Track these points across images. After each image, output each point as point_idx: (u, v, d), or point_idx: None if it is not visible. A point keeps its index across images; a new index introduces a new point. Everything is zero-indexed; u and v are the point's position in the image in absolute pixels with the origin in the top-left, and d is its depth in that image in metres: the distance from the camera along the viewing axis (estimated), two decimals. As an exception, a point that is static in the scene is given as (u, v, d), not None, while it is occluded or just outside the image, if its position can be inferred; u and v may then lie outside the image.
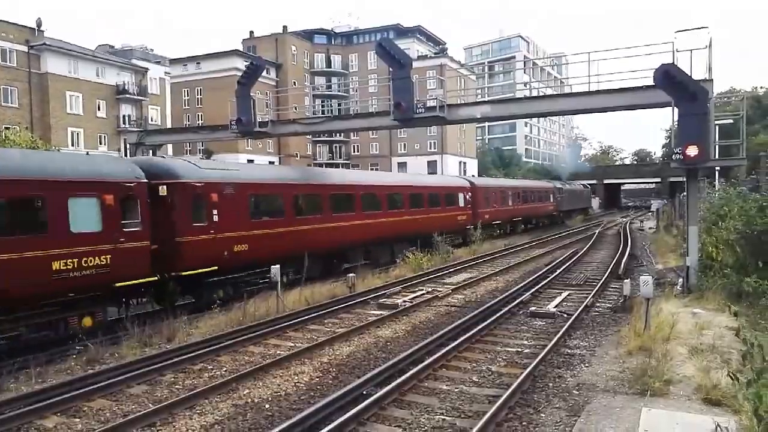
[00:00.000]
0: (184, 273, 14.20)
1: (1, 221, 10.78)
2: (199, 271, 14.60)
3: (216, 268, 15.07)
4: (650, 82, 14.90)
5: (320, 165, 68.93)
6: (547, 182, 53.74)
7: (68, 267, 11.35)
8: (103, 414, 8.04)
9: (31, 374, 9.50)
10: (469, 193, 32.37)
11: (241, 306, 14.00)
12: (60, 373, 9.96)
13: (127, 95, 49.81)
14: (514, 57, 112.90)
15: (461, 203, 31.32)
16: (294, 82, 71.78)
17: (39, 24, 44.00)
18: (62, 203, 11.41)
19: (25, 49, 42.47)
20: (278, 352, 10.96)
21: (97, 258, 11.91)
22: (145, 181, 13.29)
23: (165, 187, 14.01)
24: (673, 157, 14.50)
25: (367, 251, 22.52)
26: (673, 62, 14.76)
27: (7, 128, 27.65)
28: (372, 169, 67.23)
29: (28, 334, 11.09)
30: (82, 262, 11.62)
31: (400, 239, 24.57)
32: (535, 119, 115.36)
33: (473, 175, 46.42)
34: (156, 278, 13.36)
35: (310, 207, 19.30)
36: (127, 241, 12.54)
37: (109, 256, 12.13)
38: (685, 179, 16.39)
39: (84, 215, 11.88)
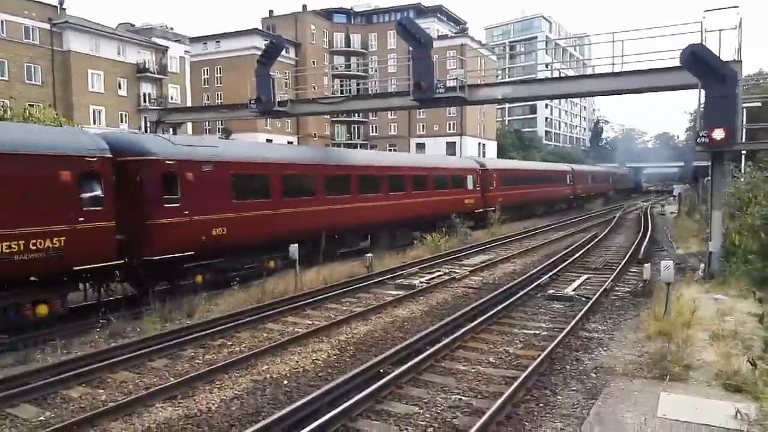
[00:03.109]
0: (487, 209, 30.47)
1: (453, 184, 27.95)
2: (489, 209, 30.49)
3: (494, 208, 30.59)
4: (676, 63, 14.57)
5: (338, 145, 68.85)
6: (606, 167, 68.98)
7: (466, 202, 29.11)
8: (126, 386, 8.22)
9: (56, 345, 9.74)
10: (571, 175, 49.13)
11: (260, 284, 14.16)
12: (84, 345, 10.20)
13: (148, 74, 50.05)
14: (535, 37, 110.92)
15: (568, 182, 48.56)
16: (313, 62, 71.43)
17: (61, 2, 44.24)
18: (466, 177, 29.59)
19: (47, 26, 42.77)
20: (296, 329, 11.08)
21: (470, 200, 29.68)
22: (480, 168, 31.51)
23: (481, 171, 31.42)
24: (699, 140, 14.20)
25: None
26: (701, 42, 14.41)
27: (31, 106, 27.96)
28: (390, 150, 67.31)
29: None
30: (469, 200, 29.54)
31: (543, 202, 43.34)
32: (555, 101, 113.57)
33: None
34: (482, 210, 30.45)
35: (526, 181, 38.65)
36: (473, 194, 30.12)
37: (473, 200, 29.98)
38: (709, 163, 16.06)
39: (470, 182, 29.85)
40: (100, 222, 11.55)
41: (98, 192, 11.64)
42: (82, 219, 11.21)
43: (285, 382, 8.29)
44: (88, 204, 11.42)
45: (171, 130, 27.32)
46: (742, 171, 20.79)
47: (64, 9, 44.58)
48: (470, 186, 29.84)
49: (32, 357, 9.40)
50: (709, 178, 16.63)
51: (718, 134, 13.63)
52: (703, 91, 14.20)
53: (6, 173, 10.19)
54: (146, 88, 50.86)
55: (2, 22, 39.53)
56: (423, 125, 74.74)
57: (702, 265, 15.52)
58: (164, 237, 13.23)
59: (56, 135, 12.29)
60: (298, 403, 6.88)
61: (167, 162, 13.45)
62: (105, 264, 11.69)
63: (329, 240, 18.57)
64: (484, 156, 73.85)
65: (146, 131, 41.54)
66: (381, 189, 21.95)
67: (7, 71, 40.02)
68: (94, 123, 45.24)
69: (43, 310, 10.93)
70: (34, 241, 10.42)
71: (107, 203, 11.76)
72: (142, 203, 12.96)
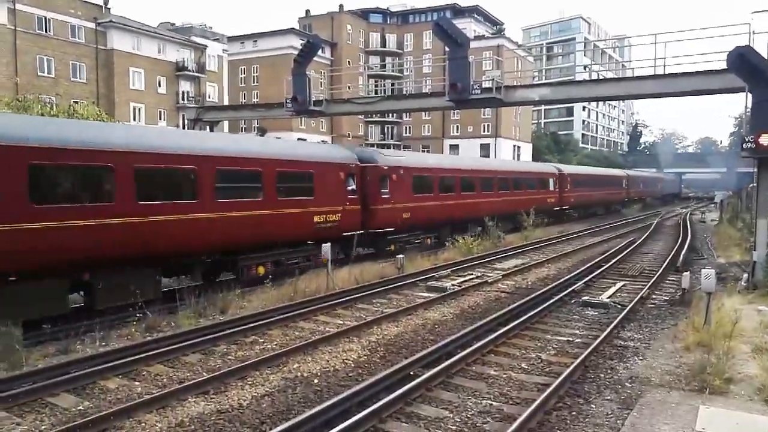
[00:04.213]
0: (563, 207, 38.07)
1: (540, 185, 35.10)
2: (564, 207, 38.66)
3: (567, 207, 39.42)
4: (721, 65, 14.17)
5: (372, 146, 68.99)
6: (652, 173, 76.14)
7: (548, 201, 35.60)
8: (161, 379, 8.39)
9: (95, 337, 10.01)
10: (626, 180, 55.47)
11: (292, 282, 14.29)
12: (121, 338, 10.45)
13: (187, 72, 51.04)
14: (574, 38, 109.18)
15: (623, 186, 54.62)
16: (348, 62, 71.78)
17: (106, 1, 45.51)
18: (548, 180, 36.32)
19: (92, 25, 44.02)
20: (327, 328, 11.13)
21: (551, 198, 36.26)
22: (558, 172, 37.75)
23: (559, 175, 37.60)
24: (744, 145, 13.77)
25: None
26: (749, 44, 13.96)
27: (75, 103, 28.93)
28: (424, 151, 67.17)
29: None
30: (550, 198, 35.91)
31: (603, 203, 49.92)
32: (593, 104, 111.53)
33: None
34: (559, 208, 37.16)
35: (592, 184, 45.10)
36: (553, 194, 36.39)
37: (553, 199, 36.52)
38: (755, 170, 15.55)
39: (551, 184, 36.36)
40: (354, 206, 18.19)
41: (353, 186, 18.22)
42: (348, 203, 17.75)
43: (315, 380, 8.33)
44: (350, 194, 17.97)
45: (208, 127, 27.80)
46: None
47: (109, 8, 45.84)
48: (551, 187, 36.52)
49: (72, 347, 9.67)
50: (755, 184, 16.09)
51: (766, 139, 13.19)
52: (749, 95, 13.76)
53: (319, 174, 16.63)
54: (185, 86, 51.88)
55: (50, 20, 40.84)
56: (457, 126, 74.34)
57: (745, 275, 15.03)
58: (381, 217, 19.72)
59: (339, 150, 19.50)
60: (329, 403, 6.90)
61: (384, 167, 20.01)
62: (356, 232, 18.18)
63: (458, 227, 24.94)
64: (518, 158, 73.30)
65: (184, 129, 42.38)
66: (493, 188, 28.73)
67: (53, 69, 41.34)
68: (134, 120, 46.36)
69: (324, 260, 15.40)
70: (330, 216, 16.95)
71: (358, 193, 18.33)
72: (370, 194, 19.21)
